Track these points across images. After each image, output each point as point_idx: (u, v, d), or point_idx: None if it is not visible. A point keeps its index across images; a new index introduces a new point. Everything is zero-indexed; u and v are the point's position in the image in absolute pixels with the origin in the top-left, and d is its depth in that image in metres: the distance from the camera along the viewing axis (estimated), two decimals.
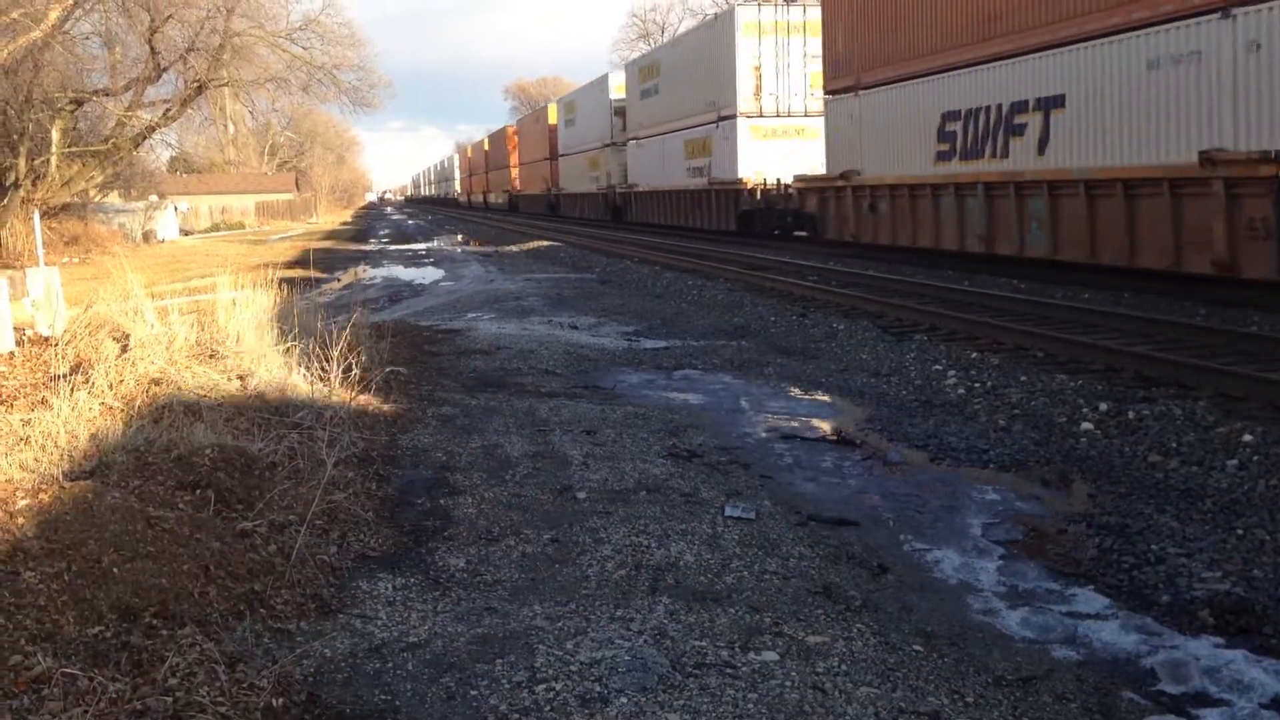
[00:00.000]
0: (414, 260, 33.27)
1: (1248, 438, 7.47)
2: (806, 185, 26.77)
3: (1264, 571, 5.41)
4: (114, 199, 50.27)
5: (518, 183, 71.02)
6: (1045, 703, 4.22)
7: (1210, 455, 7.34)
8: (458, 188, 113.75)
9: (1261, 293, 13.16)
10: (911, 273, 19.28)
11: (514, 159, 71.88)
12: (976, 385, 10.00)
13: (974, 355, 11.21)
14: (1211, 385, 8.90)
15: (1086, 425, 8.36)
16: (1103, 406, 8.71)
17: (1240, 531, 5.97)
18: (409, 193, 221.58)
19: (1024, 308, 13.89)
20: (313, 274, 22.73)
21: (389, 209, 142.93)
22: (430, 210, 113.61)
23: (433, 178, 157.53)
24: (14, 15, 28.49)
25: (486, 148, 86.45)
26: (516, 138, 71.23)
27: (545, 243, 36.58)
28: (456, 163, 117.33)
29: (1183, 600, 5.18)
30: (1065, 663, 4.61)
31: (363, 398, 8.92)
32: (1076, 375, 9.85)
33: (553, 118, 59.17)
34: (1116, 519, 6.31)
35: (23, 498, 5.12)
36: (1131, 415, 8.40)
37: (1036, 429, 8.48)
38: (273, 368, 8.63)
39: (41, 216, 18.62)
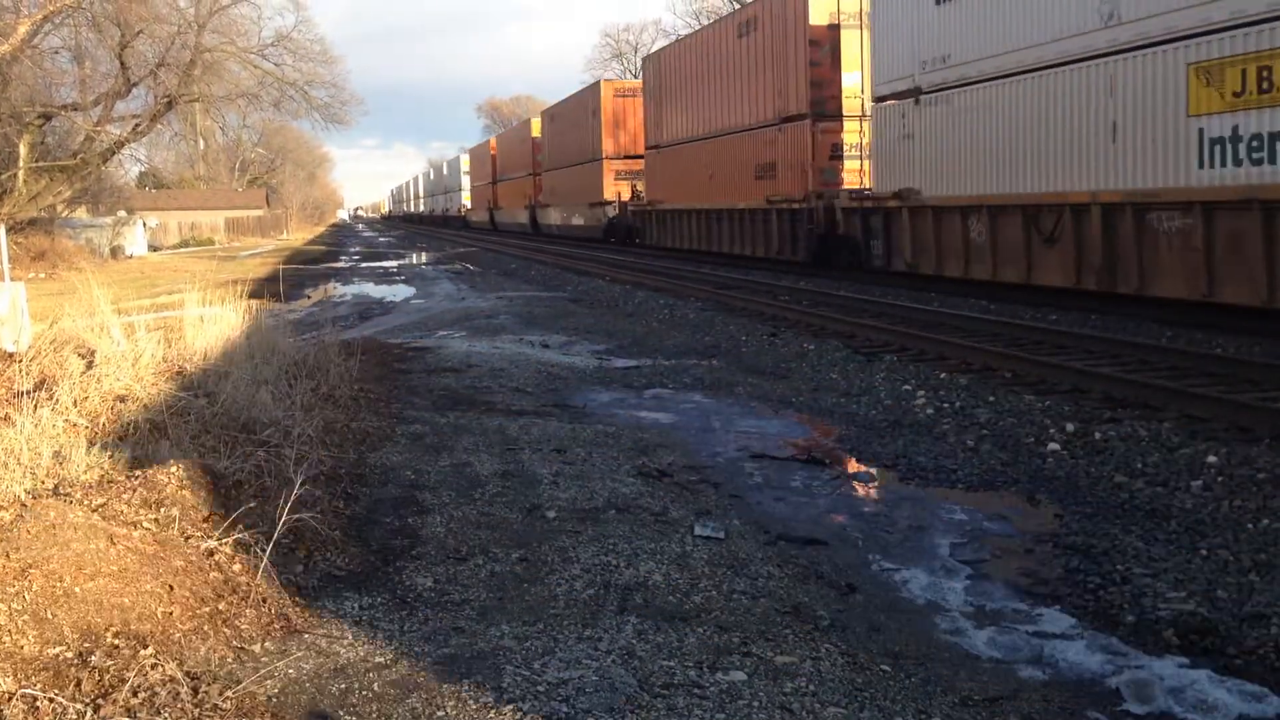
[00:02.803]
0: (384, 277, 33.17)
1: (1212, 459, 7.55)
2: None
3: (1227, 592, 5.46)
4: (81, 214, 49.88)
5: (631, 189, 40.60)
6: None
7: (1175, 476, 7.40)
8: (466, 201, 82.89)
9: (1228, 316, 13.32)
10: (880, 293, 19.39)
11: (614, 142, 41.57)
12: (945, 405, 10.05)
13: (943, 375, 11.28)
14: (1177, 406, 8.98)
15: (1054, 446, 8.41)
16: (1070, 427, 8.78)
17: (1204, 552, 6.02)
18: (386, 210, 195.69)
19: (993, 328, 13.99)
20: (282, 290, 22.61)
21: (361, 226, 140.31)
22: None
23: (422, 190, 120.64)
24: None
25: (536, 135, 55.32)
26: (640, 98, 38.84)
27: None
28: (464, 166, 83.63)
29: (1148, 620, 5.22)
30: (1031, 682, 4.62)
31: (331, 415, 8.87)
32: (1044, 396, 9.93)
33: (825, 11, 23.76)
34: (1083, 539, 6.35)
35: None
36: (1098, 436, 8.46)
37: (1004, 449, 8.53)
38: (240, 385, 8.57)
39: (7, 231, 18.44)
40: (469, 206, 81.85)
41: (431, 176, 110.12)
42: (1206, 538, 6.24)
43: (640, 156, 39.08)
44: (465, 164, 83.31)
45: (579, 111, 45.54)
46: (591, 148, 43.25)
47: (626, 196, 40.90)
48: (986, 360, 11.71)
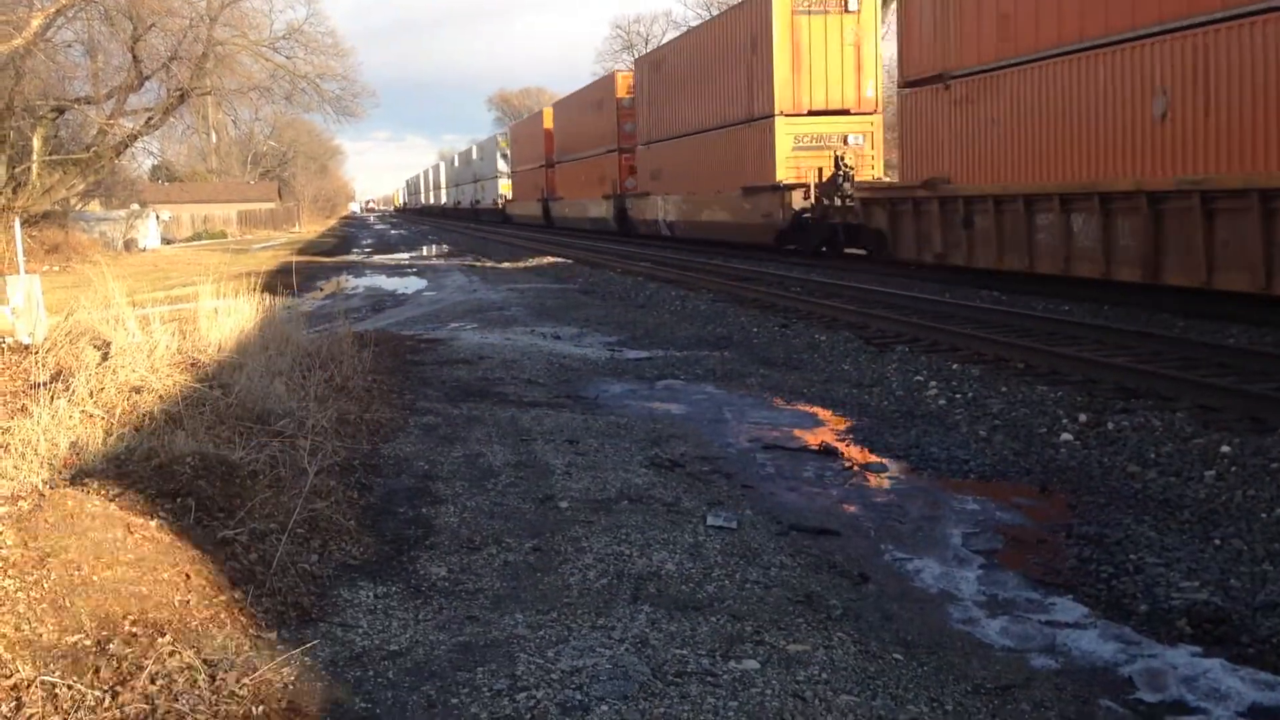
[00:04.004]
0: (396, 270, 33.23)
1: (1225, 449, 7.53)
2: None
3: (1241, 581, 5.46)
4: (95, 207, 50.17)
5: (836, 163, 25.01)
6: (1024, 711, 4.24)
7: (1188, 466, 7.39)
8: (505, 191, 68.04)
9: (1240, 306, 13.27)
10: (894, 284, 19.36)
11: (795, 89, 26.60)
12: (957, 396, 10.04)
13: (955, 366, 11.27)
14: (1190, 397, 8.96)
15: (1066, 436, 8.41)
16: (1082, 417, 8.77)
17: (1218, 541, 6.02)
18: (401, 202, 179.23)
19: (1005, 319, 13.96)
20: (295, 283, 22.67)
21: (373, 219, 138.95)
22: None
23: (444, 178, 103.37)
24: None
25: (622, 95, 40.97)
26: (854, 11, 26.38)
27: None
28: (502, 148, 68.78)
29: (1161, 609, 5.22)
30: (1044, 671, 4.63)
31: (345, 406, 8.90)
32: (1057, 386, 9.91)
33: None
34: (1095, 529, 6.35)
35: (2, 505, 5.09)
36: (1111, 426, 8.45)
37: (1017, 439, 8.52)
38: (255, 376, 8.60)
39: (22, 225, 18.54)
40: (509, 197, 67.04)
41: (456, 163, 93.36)
42: (1220, 527, 6.24)
43: (837, 112, 26.52)
44: (503, 145, 68.63)
45: (720, 46, 30.11)
46: (748, 101, 28.01)
47: (824, 175, 25.07)
48: (999, 351, 11.69)
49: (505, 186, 68.61)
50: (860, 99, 26.61)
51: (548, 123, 55.01)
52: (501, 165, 68.92)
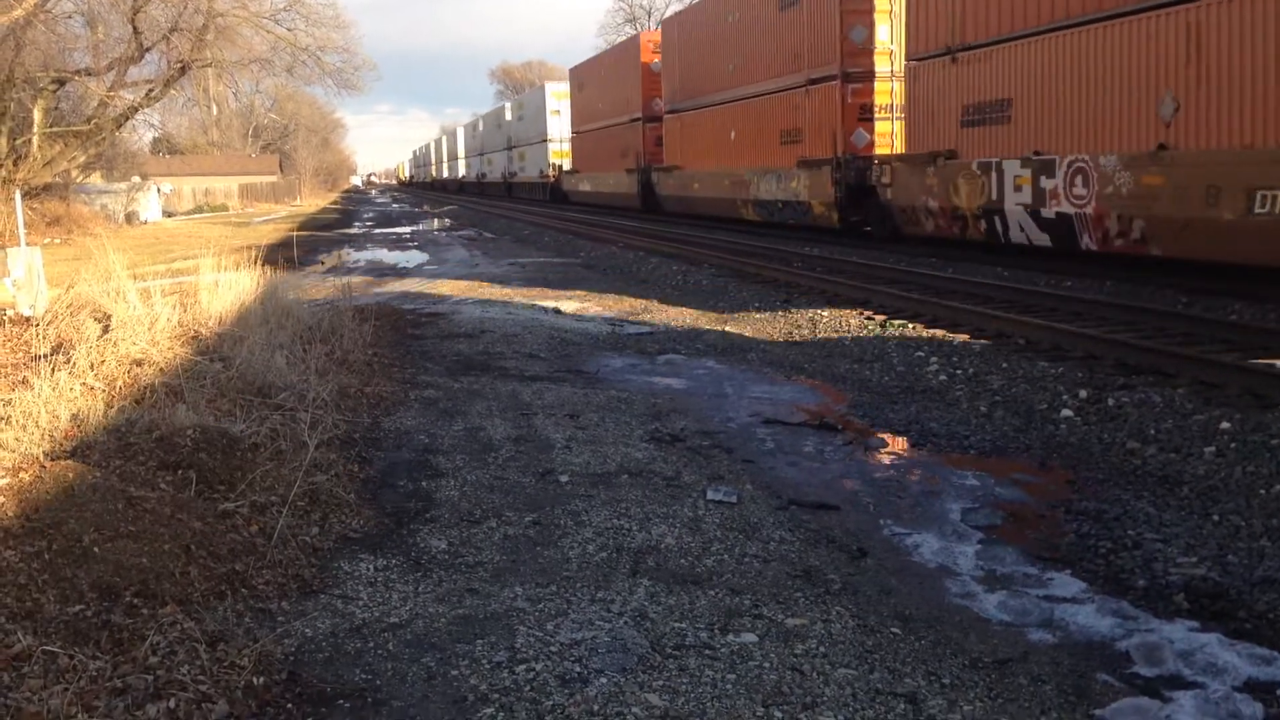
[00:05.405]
0: (397, 244, 33.16)
1: (1225, 425, 7.53)
2: None
3: (1239, 557, 5.47)
4: (96, 180, 50.01)
5: None
6: (1021, 685, 4.26)
7: (1188, 442, 7.39)
8: (559, 159, 51.74)
9: (1244, 282, 13.25)
10: (895, 260, 19.32)
11: None
12: (958, 372, 10.04)
13: (956, 342, 11.26)
14: (1191, 373, 8.96)
15: (1066, 412, 8.41)
16: (1083, 394, 8.77)
17: (1216, 517, 6.03)
18: (407, 175, 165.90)
19: (1007, 295, 13.94)
20: (296, 256, 22.62)
21: (374, 193, 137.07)
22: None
23: (462, 147, 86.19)
24: None
25: None
26: None
27: None
28: (551, 102, 52.35)
29: (1158, 585, 5.23)
30: (1041, 645, 4.65)
31: (345, 380, 8.91)
32: (1057, 362, 9.91)
33: None
34: (1094, 505, 6.36)
35: (3, 477, 5.11)
36: (1111, 402, 8.46)
37: (1017, 415, 8.53)
38: (255, 349, 8.61)
39: (23, 197, 18.50)
40: (565, 167, 50.49)
41: (480, 127, 75.91)
42: (1219, 503, 6.25)
43: None
44: (557, 97, 51.81)
45: None
46: None
47: None
48: (1000, 327, 11.68)
49: (558, 153, 51.88)
50: None
51: (646, 55, 36.74)
52: (553, 126, 52.19)
